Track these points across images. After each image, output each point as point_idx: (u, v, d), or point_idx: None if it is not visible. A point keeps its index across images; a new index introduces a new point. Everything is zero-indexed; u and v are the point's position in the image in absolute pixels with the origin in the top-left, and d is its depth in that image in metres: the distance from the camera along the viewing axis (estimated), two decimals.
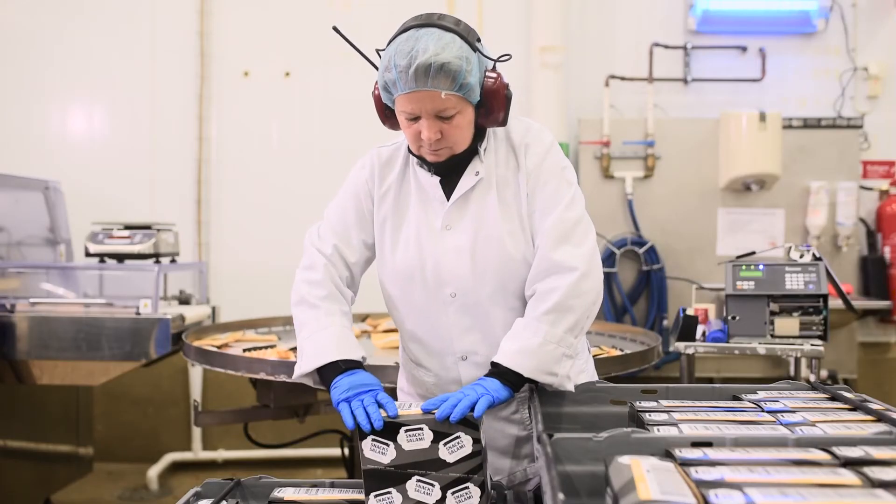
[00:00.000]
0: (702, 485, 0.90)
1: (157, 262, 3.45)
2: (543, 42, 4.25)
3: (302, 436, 3.49)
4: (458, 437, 1.43)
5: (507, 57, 1.68)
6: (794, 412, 1.36)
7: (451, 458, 1.42)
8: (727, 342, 2.85)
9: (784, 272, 2.84)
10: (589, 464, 1.11)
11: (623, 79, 4.41)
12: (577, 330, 1.60)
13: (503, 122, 1.66)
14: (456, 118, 1.57)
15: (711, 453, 1.03)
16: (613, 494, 0.93)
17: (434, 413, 1.43)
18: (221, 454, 4.49)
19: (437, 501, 1.42)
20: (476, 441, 1.43)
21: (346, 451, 3.46)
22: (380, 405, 1.47)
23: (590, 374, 1.80)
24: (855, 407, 1.39)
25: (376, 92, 1.64)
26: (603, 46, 4.48)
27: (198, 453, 4.49)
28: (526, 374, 1.54)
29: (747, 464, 0.99)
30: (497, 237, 1.64)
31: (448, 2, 4.46)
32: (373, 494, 1.43)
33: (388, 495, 1.42)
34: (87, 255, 3.49)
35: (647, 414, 1.33)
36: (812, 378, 2.82)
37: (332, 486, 1.50)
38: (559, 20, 4.27)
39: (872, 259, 4.32)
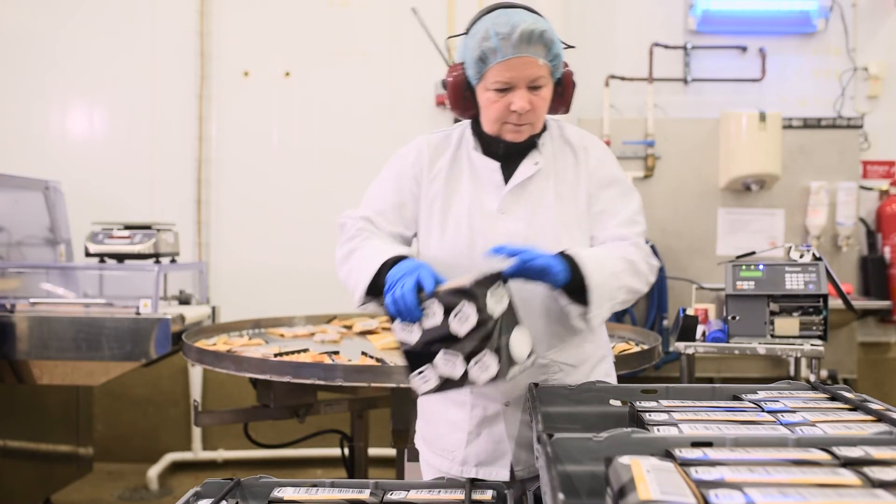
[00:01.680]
0: (702, 485, 0.90)
1: (157, 262, 3.45)
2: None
3: (302, 436, 3.49)
4: (462, 309, 1.44)
5: (572, 46, 1.75)
6: (794, 412, 1.36)
7: (461, 331, 1.44)
8: (727, 342, 2.85)
9: (784, 272, 2.84)
10: (589, 464, 1.11)
11: (623, 79, 4.41)
12: (629, 293, 1.67)
13: (567, 110, 1.75)
14: (543, 90, 1.64)
15: (711, 453, 1.03)
16: (613, 494, 0.93)
17: (441, 289, 1.47)
18: (221, 454, 4.49)
19: (462, 373, 1.45)
20: (480, 310, 1.44)
21: (346, 451, 3.46)
22: (419, 285, 1.48)
23: (613, 378, 1.84)
24: (855, 407, 1.39)
25: (452, 76, 1.69)
26: (603, 46, 4.48)
27: (198, 453, 4.49)
28: (589, 281, 1.55)
29: (747, 464, 0.99)
30: (552, 227, 1.69)
31: (448, 2, 4.46)
32: (413, 374, 1.48)
33: (424, 373, 1.47)
34: (87, 255, 3.49)
35: (647, 414, 1.33)
36: (812, 378, 2.82)
37: (332, 486, 1.50)
38: (559, 20, 4.26)
39: (872, 259, 4.32)
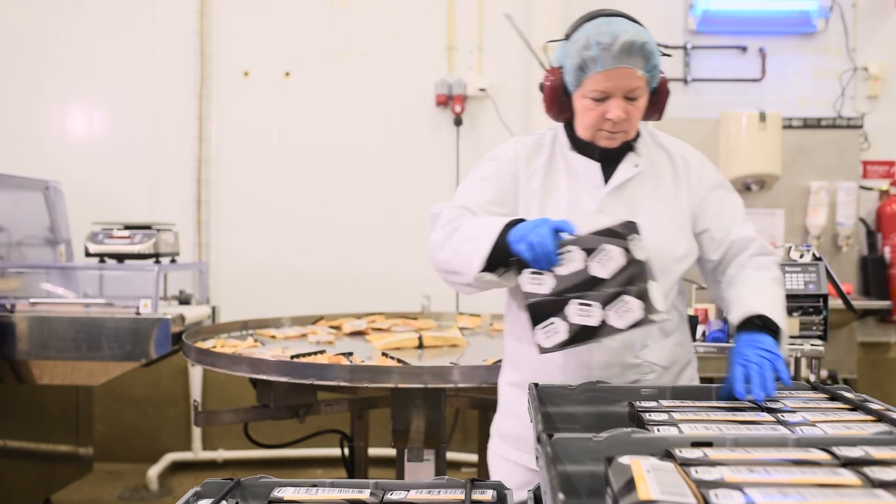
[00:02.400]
0: (702, 485, 0.90)
1: (157, 262, 3.45)
2: (543, 42, 4.25)
3: (302, 436, 3.49)
4: (606, 251, 1.43)
5: (669, 55, 1.82)
6: (793, 412, 1.36)
7: (604, 274, 1.42)
8: (727, 342, 2.85)
9: (784, 272, 2.83)
10: (589, 464, 1.11)
11: None
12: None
13: (660, 117, 1.80)
14: (639, 100, 1.68)
15: (711, 453, 1.03)
16: (613, 494, 0.93)
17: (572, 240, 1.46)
18: (221, 454, 4.49)
19: (599, 322, 1.42)
20: (626, 250, 1.43)
21: (346, 451, 3.46)
22: (556, 231, 1.48)
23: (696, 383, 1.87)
24: (855, 407, 1.39)
25: (549, 80, 1.73)
26: None
27: (198, 453, 4.49)
28: (782, 327, 1.62)
29: (747, 464, 0.99)
30: (651, 228, 1.70)
31: (448, 2, 4.46)
32: (538, 328, 1.44)
33: (551, 326, 1.43)
34: (87, 255, 3.49)
35: (647, 414, 1.33)
36: (812, 378, 2.82)
37: (333, 486, 1.50)
38: (559, 20, 4.26)
39: (872, 259, 4.32)
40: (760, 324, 1.61)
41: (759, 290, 1.69)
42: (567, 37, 1.70)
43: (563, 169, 1.78)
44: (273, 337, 3.14)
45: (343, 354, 2.58)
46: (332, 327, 3.36)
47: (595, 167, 1.75)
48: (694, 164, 1.81)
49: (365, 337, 3.14)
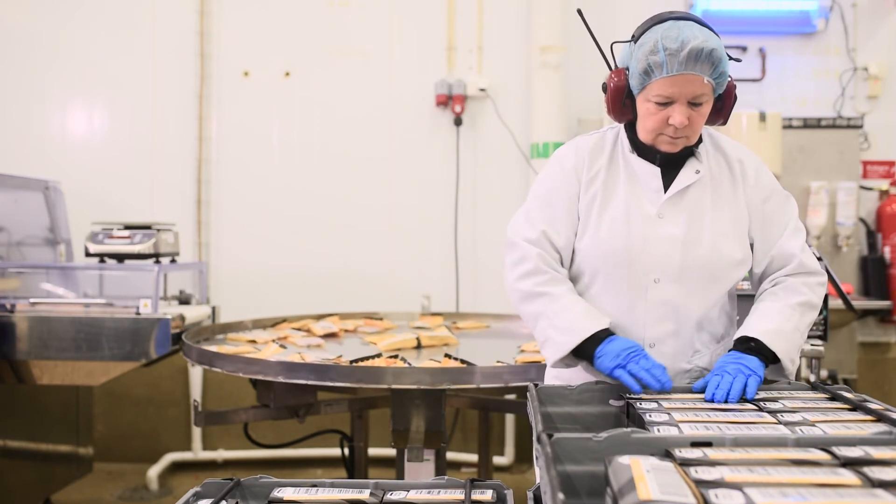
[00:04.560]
0: (702, 485, 0.90)
1: (157, 262, 3.45)
2: (543, 42, 4.25)
3: (302, 436, 3.49)
4: None
5: (739, 60, 1.86)
6: (794, 412, 1.36)
7: None
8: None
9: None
10: (589, 464, 1.12)
11: None
12: (809, 327, 1.73)
13: (725, 122, 1.80)
14: (703, 106, 1.68)
15: (711, 453, 1.03)
16: (613, 494, 0.93)
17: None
18: (221, 454, 4.49)
19: None
20: None
21: (346, 451, 3.46)
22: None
23: None
24: (855, 407, 1.39)
25: (615, 81, 1.73)
26: (603, 46, 4.47)
27: (198, 453, 4.49)
28: (780, 355, 1.64)
29: (747, 464, 0.99)
30: (710, 234, 1.73)
31: (448, 2, 4.46)
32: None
33: None
34: (87, 255, 3.49)
35: (647, 414, 1.33)
36: (812, 378, 2.82)
37: (333, 486, 1.50)
38: (559, 20, 4.27)
39: (872, 259, 4.32)
40: (754, 346, 1.65)
41: (767, 315, 1.71)
42: (634, 39, 1.70)
43: (623, 171, 1.79)
44: (254, 342, 3.01)
45: (396, 357, 2.55)
46: (298, 329, 3.28)
47: (655, 172, 1.76)
48: (750, 171, 1.81)
49: (365, 339, 3.14)
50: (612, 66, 1.79)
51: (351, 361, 2.50)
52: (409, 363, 2.47)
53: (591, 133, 1.87)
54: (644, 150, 1.77)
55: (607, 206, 1.76)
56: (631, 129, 1.80)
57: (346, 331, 3.35)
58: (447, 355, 2.57)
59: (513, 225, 1.84)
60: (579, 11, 1.85)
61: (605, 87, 1.78)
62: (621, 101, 1.73)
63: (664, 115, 1.66)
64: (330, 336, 3.21)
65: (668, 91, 1.63)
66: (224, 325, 3.33)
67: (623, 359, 1.60)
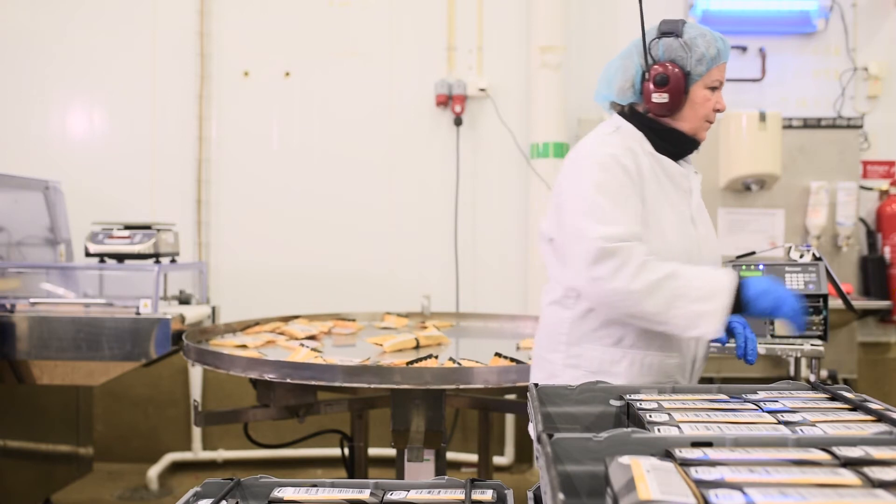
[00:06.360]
0: (702, 485, 0.90)
1: (157, 262, 3.45)
2: (543, 42, 4.25)
3: (302, 436, 3.49)
4: None
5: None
6: (794, 412, 1.36)
7: None
8: (727, 342, 2.84)
9: (784, 272, 2.83)
10: (589, 464, 1.11)
11: None
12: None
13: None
14: None
15: (711, 453, 1.03)
16: (613, 494, 0.93)
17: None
18: (221, 454, 4.49)
19: None
20: None
21: (346, 451, 3.46)
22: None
23: None
24: (855, 407, 1.39)
25: (674, 72, 1.82)
26: (603, 46, 4.48)
27: (198, 453, 4.49)
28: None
29: (747, 464, 0.99)
30: (712, 229, 1.95)
31: (448, 2, 4.46)
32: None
33: None
34: (87, 255, 3.48)
35: (647, 414, 1.33)
36: (812, 378, 2.81)
37: (333, 486, 1.50)
38: (559, 20, 4.27)
39: (872, 259, 4.32)
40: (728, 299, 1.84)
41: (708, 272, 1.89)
42: (675, 35, 1.83)
43: (661, 173, 1.85)
44: (245, 346, 2.91)
45: (424, 358, 2.50)
46: (275, 332, 3.21)
47: (685, 173, 1.87)
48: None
49: (367, 340, 3.13)
50: (649, 62, 1.84)
51: (408, 363, 2.42)
52: (459, 365, 2.42)
53: (604, 134, 1.88)
54: (664, 151, 1.86)
55: (662, 207, 1.81)
56: (647, 129, 1.85)
57: (324, 333, 3.28)
58: (497, 353, 2.53)
59: (591, 235, 1.72)
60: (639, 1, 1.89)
61: (660, 80, 1.80)
62: (684, 91, 1.81)
63: (714, 101, 1.82)
64: (310, 338, 3.13)
65: (722, 76, 1.81)
66: (225, 326, 3.33)
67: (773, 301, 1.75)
